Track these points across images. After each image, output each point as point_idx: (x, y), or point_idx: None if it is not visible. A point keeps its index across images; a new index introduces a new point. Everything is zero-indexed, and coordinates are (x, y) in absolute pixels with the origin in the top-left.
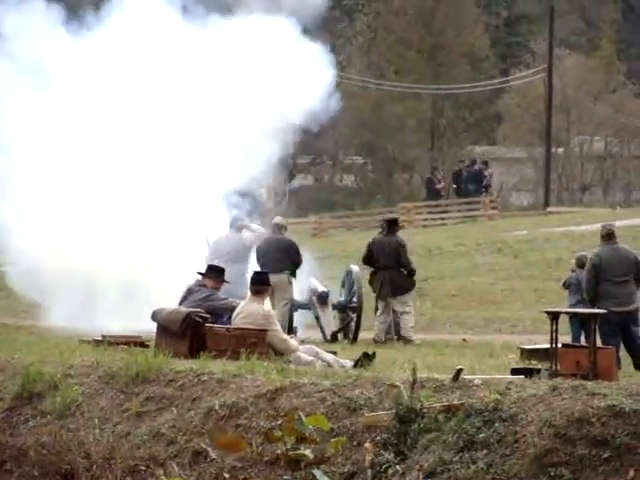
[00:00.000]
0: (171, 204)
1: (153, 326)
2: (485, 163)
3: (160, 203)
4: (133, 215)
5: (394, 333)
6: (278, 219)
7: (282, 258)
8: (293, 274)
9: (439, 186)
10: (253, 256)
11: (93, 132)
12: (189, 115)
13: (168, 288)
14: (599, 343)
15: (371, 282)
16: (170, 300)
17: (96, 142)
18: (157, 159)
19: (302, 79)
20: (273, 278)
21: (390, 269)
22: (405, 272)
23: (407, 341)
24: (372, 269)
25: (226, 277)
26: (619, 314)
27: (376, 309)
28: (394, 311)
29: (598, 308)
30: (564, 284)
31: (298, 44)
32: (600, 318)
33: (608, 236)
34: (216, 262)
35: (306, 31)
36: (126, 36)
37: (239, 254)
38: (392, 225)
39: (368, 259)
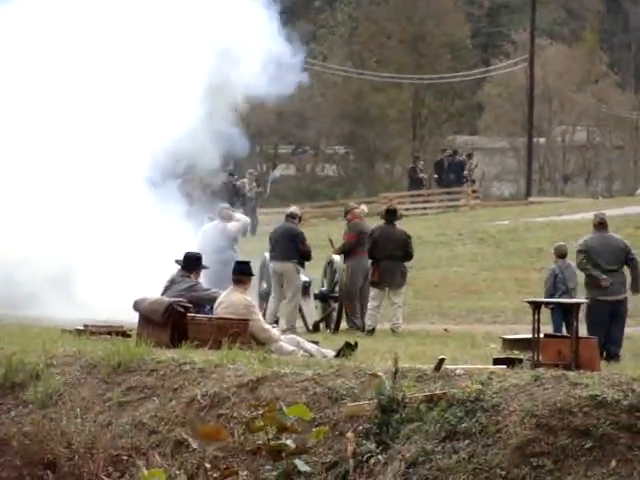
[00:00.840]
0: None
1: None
2: (469, 155)
3: (81, 177)
4: (59, 198)
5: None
6: (293, 208)
7: (290, 247)
8: (301, 264)
9: (421, 175)
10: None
11: (11, 110)
12: (113, 76)
13: (101, 273)
14: (582, 333)
15: (373, 272)
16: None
17: (14, 120)
18: (79, 129)
19: (240, 41)
20: (281, 266)
21: (395, 260)
22: (405, 264)
23: (396, 332)
24: (372, 259)
25: (211, 266)
26: (608, 303)
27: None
28: (392, 302)
29: (587, 297)
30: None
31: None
32: (589, 307)
33: (600, 225)
34: (204, 251)
35: (286, 22)
36: (45, 7)
37: (223, 243)
38: (394, 215)
39: (372, 250)
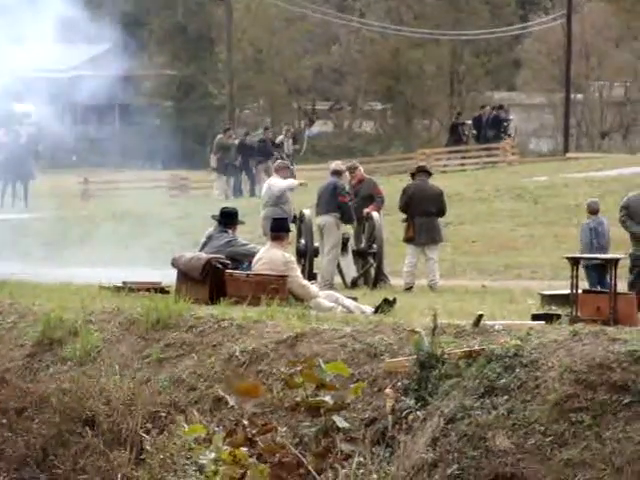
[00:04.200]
0: None
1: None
2: (501, 107)
3: None
4: None
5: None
6: (336, 163)
7: (330, 201)
8: (343, 218)
9: (465, 132)
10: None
11: None
12: None
13: None
14: (620, 289)
15: (408, 228)
16: None
17: None
18: None
19: None
20: (322, 219)
21: (431, 216)
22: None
23: (434, 288)
24: (406, 216)
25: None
26: None
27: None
28: (428, 258)
29: (630, 252)
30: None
31: None
32: (633, 261)
33: None
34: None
35: None
36: None
37: (272, 199)
38: (426, 172)
39: (407, 206)
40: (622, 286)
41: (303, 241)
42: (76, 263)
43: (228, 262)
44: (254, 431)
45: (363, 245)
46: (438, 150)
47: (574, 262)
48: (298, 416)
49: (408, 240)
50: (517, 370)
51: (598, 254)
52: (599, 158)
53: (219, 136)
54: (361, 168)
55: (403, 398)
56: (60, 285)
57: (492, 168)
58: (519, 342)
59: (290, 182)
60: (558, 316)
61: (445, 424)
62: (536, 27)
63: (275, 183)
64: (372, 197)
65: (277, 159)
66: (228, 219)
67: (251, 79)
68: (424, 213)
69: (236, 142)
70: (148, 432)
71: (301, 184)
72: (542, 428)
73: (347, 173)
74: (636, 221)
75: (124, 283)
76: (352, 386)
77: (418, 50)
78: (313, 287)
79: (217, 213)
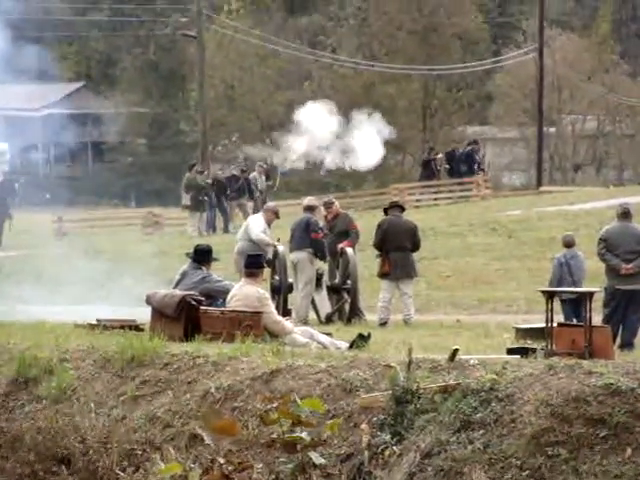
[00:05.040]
0: None
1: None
2: (476, 142)
3: None
4: None
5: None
6: (309, 199)
7: (304, 236)
8: (316, 254)
9: (436, 165)
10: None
11: None
12: None
13: None
14: (595, 322)
15: (382, 263)
16: None
17: None
18: None
19: None
20: (295, 256)
21: (406, 251)
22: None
23: (408, 323)
24: (381, 251)
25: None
26: (627, 292)
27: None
28: (402, 293)
29: (606, 286)
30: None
31: None
32: (607, 295)
33: (623, 215)
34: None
35: (294, 10)
36: None
37: (247, 235)
38: (400, 208)
39: (381, 242)
40: (598, 319)
41: (277, 277)
42: (51, 301)
43: (202, 299)
44: (230, 468)
45: (337, 281)
46: (411, 185)
47: (549, 296)
48: (274, 452)
49: (383, 275)
50: (493, 404)
51: (573, 287)
52: (572, 192)
53: (188, 174)
54: (337, 203)
55: (379, 433)
56: (35, 323)
57: (465, 202)
58: (495, 376)
59: (266, 240)
60: (533, 350)
61: (421, 459)
62: (508, 61)
63: (254, 227)
64: (348, 232)
65: (251, 196)
66: (202, 256)
67: (223, 116)
68: (398, 248)
69: (209, 180)
70: (124, 470)
71: (274, 245)
72: (519, 462)
73: (322, 208)
74: (615, 253)
75: (98, 321)
76: (328, 422)
77: (390, 85)
78: (288, 323)
79: (191, 250)
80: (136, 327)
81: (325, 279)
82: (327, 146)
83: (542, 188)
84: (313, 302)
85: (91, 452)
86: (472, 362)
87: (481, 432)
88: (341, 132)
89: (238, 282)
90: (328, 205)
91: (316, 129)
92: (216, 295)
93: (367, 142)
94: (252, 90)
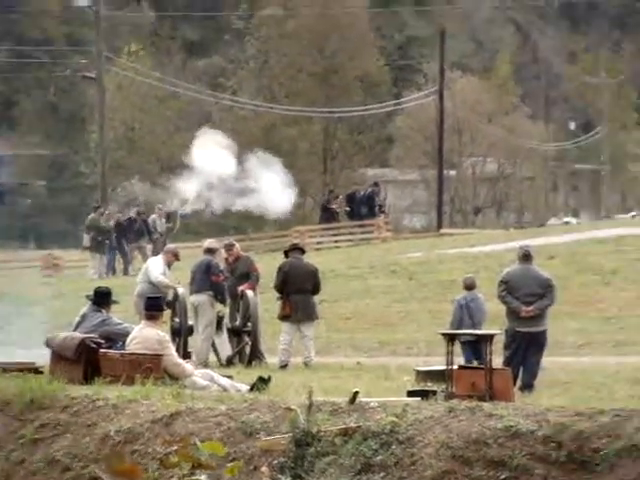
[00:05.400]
0: None
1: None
2: (376, 184)
3: None
4: None
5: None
6: (209, 241)
7: (204, 279)
8: (216, 296)
9: (335, 207)
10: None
11: None
12: None
13: None
14: (496, 364)
15: (283, 305)
16: None
17: None
18: None
19: None
20: (195, 298)
21: (307, 293)
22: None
23: (309, 366)
24: (282, 294)
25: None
26: (527, 334)
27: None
28: (303, 335)
29: (507, 328)
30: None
31: None
32: (508, 337)
33: (524, 257)
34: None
35: (194, 52)
36: None
37: (147, 277)
38: (300, 250)
39: (282, 284)
40: (498, 361)
41: (177, 320)
42: None
43: (102, 341)
44: None
45: (238, 323)
46: (312, 227)
47: (449, 338)
48: None
49: (283, 318)
50: (393, 447)
51: (473, 330)
52: (473, 234)
53: (90, 215)
54: (238, 246)
55: (279, 476)
56: None
57: (366, 245)
58: (395, 419)
59: (166, 282)
60: (434, 392)
61: None
62: (409, 103)
63: (154, 270)
64: (249, 275)
65: (150, 238)
66: (102, 298)
67: (123, 158)
68: (299, 291)
69: (111, 222)
70: None
71: (174, 288)
72: None
73: (222, 251)
74: (515, 296)
75: None
76: (228, 465)
77: (291, 127)
78: (188, 366)
79: (91, 292)
80: (35, 370)
81: (226, 321)
82: (225, 187)
83: (443, 230)
84: (213, 345)
85: None
86: (372, 405)
87: (381, 474)
88: (240, 174)
89: (138, 325)
90: (229, 247)
91: (213, 171)
92: (116, 338)
93: (274, 186)
94: (152, 132)
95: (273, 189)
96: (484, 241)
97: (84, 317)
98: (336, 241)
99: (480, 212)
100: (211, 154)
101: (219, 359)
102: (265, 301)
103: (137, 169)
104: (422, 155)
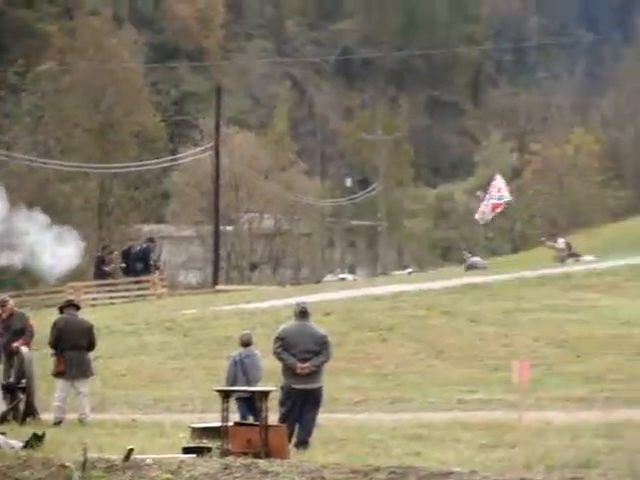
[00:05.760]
0: None
1: None
2: (152, 240)
3: None
4: None
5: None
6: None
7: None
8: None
9: (108, 269)
10: None
11: None
12: None
13: None
14: (272, 421)
15: (58, 362)
16: None
17: None
18: None
19: None
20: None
21: (82, 349)
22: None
23: (84, 423)
24: (56, 350)
25: None
26: (303, 391)
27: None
28: (78, 392)
29: (283, 384)
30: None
31: None
32: (284, 394)
33: (301, 314)
34: None
35: None
36: None
37: None
38: (75, 306)
39: (57, 340)
40: (274, 418)
41: None
42: None
43: None
44: None
45: (12, 379)
46: (87, 283)
47: (224, 395)
48: None
49: (58, 374)
50: None
51: (247, 386)
52: (249, 290)
53: None
54: (12, 302)
55: None
56: None
57: (142, 301)
58: (170, 476)
59: None
60: (209, 449)
61: None
62: (186, 159)
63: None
64: (23, 331)
65: None
66: None
67: None
68: (74, 347)
69: None
70: None
71: None
72: None
73: None
74: (292, 352)
75: None
76: None
77: (66, 183)
78: None
79: None
80: None
81: None
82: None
83: (218, 287)
84: None
85: None
86: (148, 461)
87: None
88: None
89: None
90: (3, 303)
91: None
92: None
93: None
94: None
95: (51, 246)
96: (261, 297)
97: None
98: (111, 297)
99: (257, 268)
100: None
101: None
102: (40, 357)
103: None
104: (198, 211)
